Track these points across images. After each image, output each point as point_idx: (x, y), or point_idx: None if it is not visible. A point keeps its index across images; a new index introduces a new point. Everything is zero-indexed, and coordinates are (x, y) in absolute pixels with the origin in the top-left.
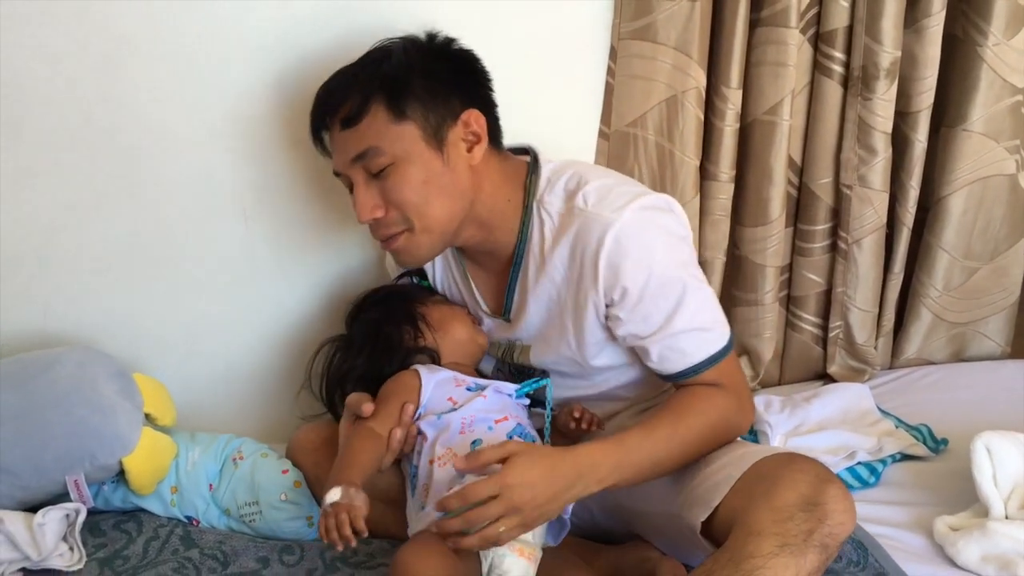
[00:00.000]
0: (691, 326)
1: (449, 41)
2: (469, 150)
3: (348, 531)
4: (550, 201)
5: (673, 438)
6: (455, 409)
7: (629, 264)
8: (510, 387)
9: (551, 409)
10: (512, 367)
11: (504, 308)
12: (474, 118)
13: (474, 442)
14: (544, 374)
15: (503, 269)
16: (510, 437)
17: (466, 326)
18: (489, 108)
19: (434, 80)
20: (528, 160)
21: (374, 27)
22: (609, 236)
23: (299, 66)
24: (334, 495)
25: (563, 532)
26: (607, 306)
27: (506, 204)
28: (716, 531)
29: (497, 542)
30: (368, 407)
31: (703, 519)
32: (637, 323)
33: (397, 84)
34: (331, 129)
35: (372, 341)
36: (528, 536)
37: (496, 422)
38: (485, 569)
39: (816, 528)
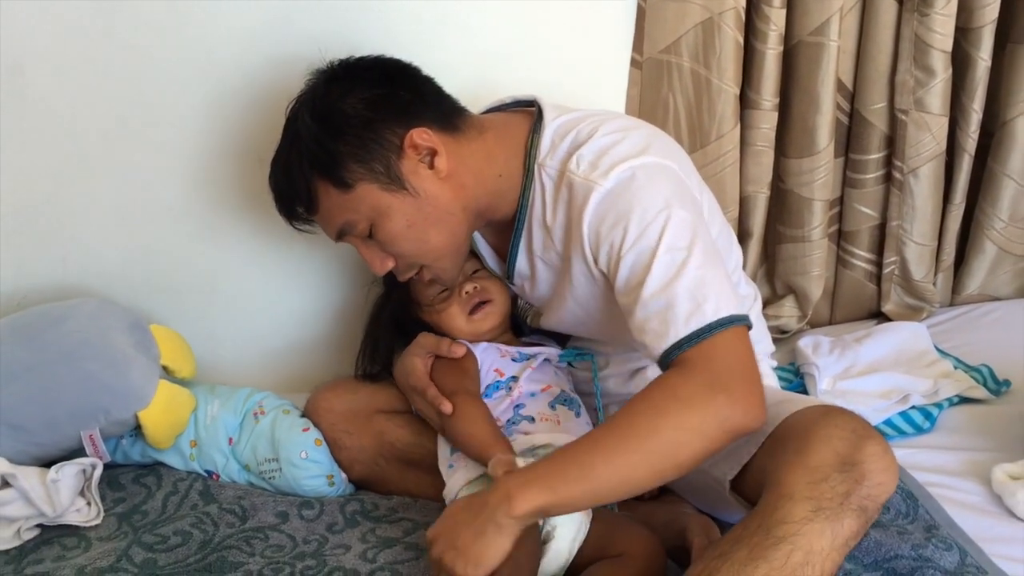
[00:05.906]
0: (665, 298)
1: (347, 69)
2: (431, 166)
3: None
4: (551, 164)
5: (620, 451)
6: (503, 381)
7: (606, 228)
8: (555, 352)
9: (599, 388)
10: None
11: (508, 272)
12: (417, 136)
13: (517, 406)
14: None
15: (508, 231)
16: (552, 406)
17: (459, 321)
18: (425, 104)
19: (356, 131)
20: (533, 114)
21: None
22: (591, 201)
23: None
24: None
25: None
26: (604, 275)
27: (498, 180)
28: (747, 488)
29: None
30: (459, 347)
31: (731, 477)
32: (620, 288)
33: (325, 160)
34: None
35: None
36: None
37: (542, 390)
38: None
39: (853, 490)
